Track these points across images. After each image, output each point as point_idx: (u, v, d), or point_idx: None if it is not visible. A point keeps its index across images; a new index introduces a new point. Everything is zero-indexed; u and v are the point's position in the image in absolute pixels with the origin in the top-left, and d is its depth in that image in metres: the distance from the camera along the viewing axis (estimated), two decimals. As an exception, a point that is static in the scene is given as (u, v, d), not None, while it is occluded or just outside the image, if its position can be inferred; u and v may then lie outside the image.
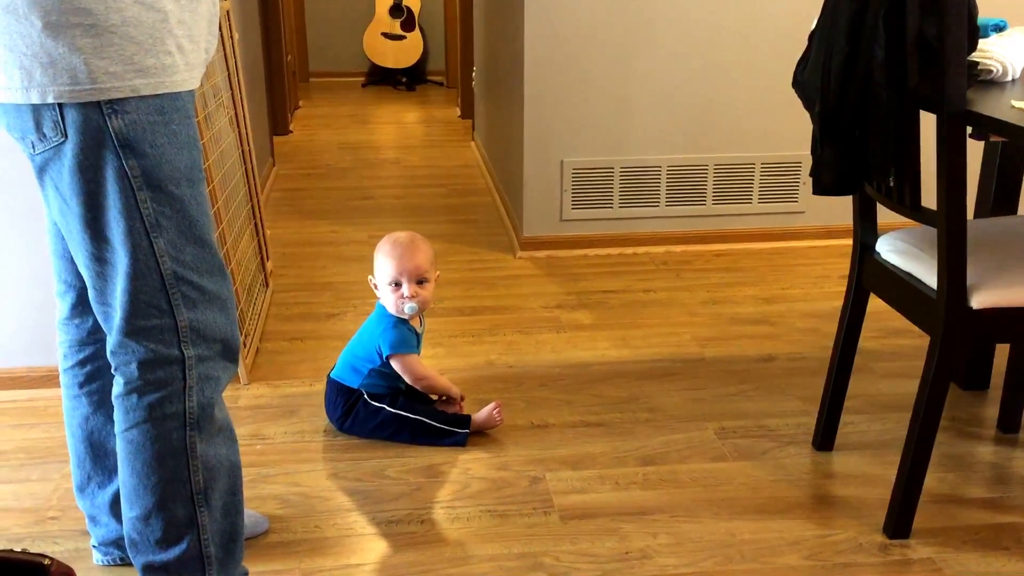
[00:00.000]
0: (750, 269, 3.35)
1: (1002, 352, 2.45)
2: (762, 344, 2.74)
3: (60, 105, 1.27)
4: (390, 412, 2.21)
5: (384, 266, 2.20)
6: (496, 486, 2.04)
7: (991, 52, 1.85)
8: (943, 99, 1.60)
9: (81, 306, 1.57)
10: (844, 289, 3.10)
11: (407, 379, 2.23)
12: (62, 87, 1.26)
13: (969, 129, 1.66)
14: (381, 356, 2.20)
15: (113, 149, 1.30)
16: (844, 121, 1.74)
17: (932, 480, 2.02)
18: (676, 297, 3.09)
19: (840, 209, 3.54)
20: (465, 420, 2.22)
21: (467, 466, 2.12)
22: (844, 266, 3.35)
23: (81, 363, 1.60)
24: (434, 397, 2.32)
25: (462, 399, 2.29)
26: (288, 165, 5.00)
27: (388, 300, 2.21)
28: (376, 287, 2.24)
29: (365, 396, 2.23)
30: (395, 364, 2.21)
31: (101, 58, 1.26)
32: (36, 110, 1.28)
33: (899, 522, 1.85)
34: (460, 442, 2.19)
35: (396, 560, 1.81)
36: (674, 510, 1.95)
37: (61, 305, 1.60)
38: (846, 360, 2.09)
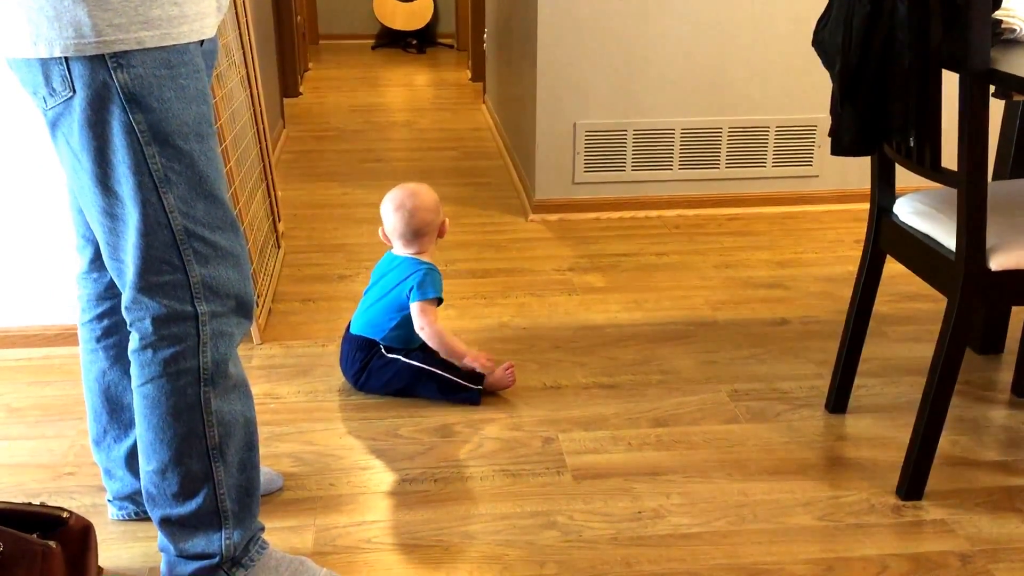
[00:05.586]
0: (763, 233, 3.33)
1: (1017, 316, 2.45)
2: (775, 308, 2.73)
3: (67, 59, 1.26)
4: (404, 362, 2.22)
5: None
6: (509, 446, 2.05)
7: (1014, 11, 1.82)
8: (967, 58, 1.57)
9: (99, 261, 1.56)
10: (858, 253, 3.10)
11: (418, 323, 2.20)
12: (68, 40, 1.25)
13: (991, 88, 1.64)
14: (409, 301, 2.21)
15: (119, 103, 1.29)
16: (865, 80, 1.72)
17: (945, 443, 2.02)
18: (689, 261, 3.08)
19: (854, 173, 3.52)
20: (479, 377, 2.22)
21: (480, 426, 2.13)
22: (858, 230, 3.33)
23: (99, 317, 1.61)
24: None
25: (490, 367, 2.23)
26: (298, 127, 4.98)
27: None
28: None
29: (382, 348, 2.24)
30: (417, 308, 2.19)
31: (105, 10, 1.24)
32: (45, 64, 1.27)
33: (912, 484, 1.85)
34: (473, 398, 2.20)
35: (410, 518, 1.82)
36: (687, 471, 1.96)
37: (80, 259, 1.60)
38: (861, 322, 2.08)
